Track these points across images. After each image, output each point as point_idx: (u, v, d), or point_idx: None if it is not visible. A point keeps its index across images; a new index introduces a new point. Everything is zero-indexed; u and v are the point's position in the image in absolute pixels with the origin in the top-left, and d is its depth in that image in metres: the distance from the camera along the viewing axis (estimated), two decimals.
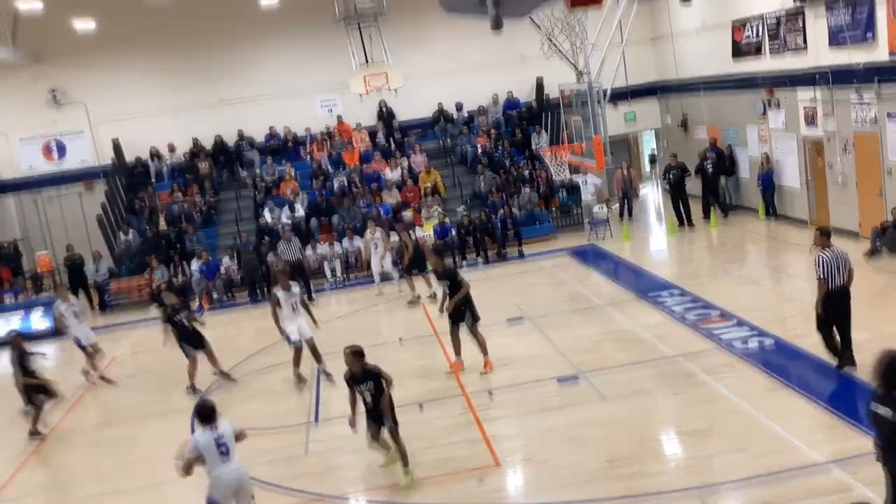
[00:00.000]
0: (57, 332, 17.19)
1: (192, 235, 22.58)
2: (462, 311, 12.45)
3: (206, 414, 7.74)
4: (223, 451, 7.60)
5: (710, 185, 21.50)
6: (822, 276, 10.32)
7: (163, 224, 23.15)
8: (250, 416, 11.44)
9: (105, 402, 14.30)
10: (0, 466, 11.66)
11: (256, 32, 25.07)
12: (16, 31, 23.34)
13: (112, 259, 22.81)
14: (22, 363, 12.73)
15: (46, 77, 25.03)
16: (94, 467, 11.32)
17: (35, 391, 12.72)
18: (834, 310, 10.40)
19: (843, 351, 10.52)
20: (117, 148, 25.23)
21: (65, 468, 11.72)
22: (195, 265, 21.23)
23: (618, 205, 23.15)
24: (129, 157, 25.47)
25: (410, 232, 19.23)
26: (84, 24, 23.23)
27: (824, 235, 10.65)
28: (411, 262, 17.89)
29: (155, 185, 25.01)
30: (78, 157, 25.59)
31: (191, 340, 13.70)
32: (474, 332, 12.53)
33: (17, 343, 12.96)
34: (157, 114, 25.24)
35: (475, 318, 12.52)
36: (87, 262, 22.47)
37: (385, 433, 9.23)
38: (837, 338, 10.55)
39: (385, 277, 19.56)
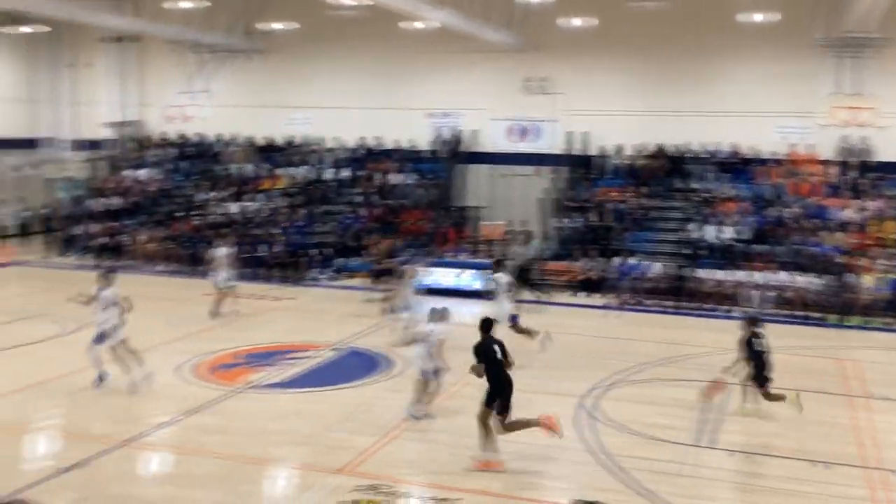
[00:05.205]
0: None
1: (623, 235, 23.20)
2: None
3: None
4: None
5: None
6: None
7: (601, 218, 24.08)
8: (636, 422, 12.06)
9: None
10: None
11: (729, 47, 24.84)
12: (512, 19, 25.68)
13: (544, 241, 24.33)
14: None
15: (538, 65, 26.90)
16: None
17: None
18: None
19: None
20: (581, 140, 26.59)
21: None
22: (616, 262, 21.91)
23: None
24: (587, 149, 26.72)
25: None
26: (584, 22, 25.03)
27: None
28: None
29: (603, 180, 25.98)
30: (542, 143, 27.25)
31: None
32: None
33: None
34: (620, 113, 26.13)
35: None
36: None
37: None
38: None
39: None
